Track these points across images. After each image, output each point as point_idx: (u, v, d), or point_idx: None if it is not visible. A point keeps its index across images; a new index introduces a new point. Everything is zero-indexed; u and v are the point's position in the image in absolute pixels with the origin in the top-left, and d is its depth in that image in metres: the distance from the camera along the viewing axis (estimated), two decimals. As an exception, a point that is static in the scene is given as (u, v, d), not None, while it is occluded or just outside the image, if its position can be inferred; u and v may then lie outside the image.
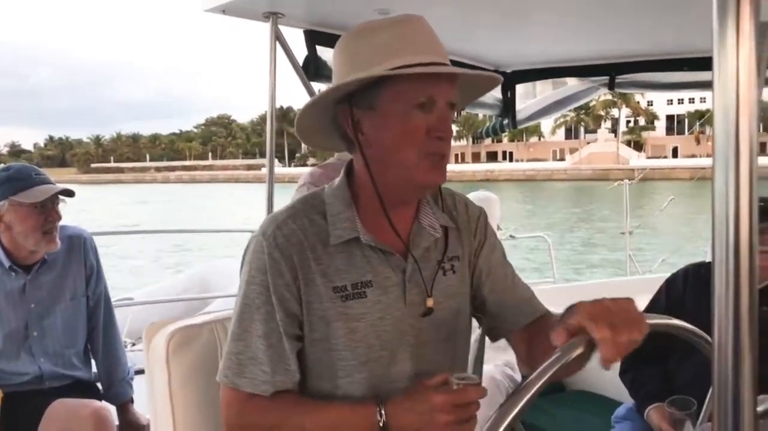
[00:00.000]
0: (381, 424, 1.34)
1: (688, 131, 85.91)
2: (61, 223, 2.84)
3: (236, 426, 1.45)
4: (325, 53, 3.11)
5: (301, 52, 3.14)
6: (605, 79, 3.66)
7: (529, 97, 4.08)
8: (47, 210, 2.62)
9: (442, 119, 1.39)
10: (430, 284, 1.50)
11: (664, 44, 3.33)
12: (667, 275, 2.91)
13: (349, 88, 1.40)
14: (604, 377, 3.07)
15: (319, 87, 3.73)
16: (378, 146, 1.41)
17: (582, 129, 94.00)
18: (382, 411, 1.35)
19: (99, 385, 2.90)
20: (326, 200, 1.50)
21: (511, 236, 6.35)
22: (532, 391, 1.02)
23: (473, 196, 4.11)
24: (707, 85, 3.71)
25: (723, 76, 0.78)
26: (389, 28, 1.41)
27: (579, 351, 1.10)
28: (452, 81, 1.41)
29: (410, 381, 1.46)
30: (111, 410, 2.68)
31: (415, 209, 1.53)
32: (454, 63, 3.60)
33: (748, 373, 0.83)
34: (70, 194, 2.70)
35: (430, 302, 1.49)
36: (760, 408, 1.29)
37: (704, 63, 3.28)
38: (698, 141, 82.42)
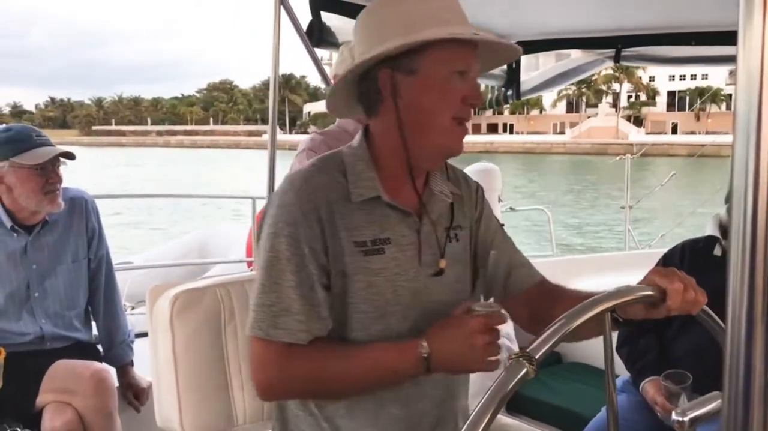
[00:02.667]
0: (425, 355, 1.40)
1: (689, 107, 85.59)
2: (63, 185, 2.85)
3: (275, 379, 1.47)
4: (329, 19, 3.08)
5: (305, 18, 3.11)
6: (611, 51, 3.62)
7: (531, 69, 4.05)
8: (48, 172, 2.61)
9: (475, 88, 1.49)
10: (443, 247, 1.58)
11: (672, 17, 3.29)
12: (662, 248, 2.92)
13: (398, 51, 1.44)
14: (601, 349, 3.09)
15: (321, 54, 3.71)
16: (415, 109, 1.47)
17: (583, 103, 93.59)
18: (424, 343, 1.41)
19: (99, 347, 2.91)
20: (346, 160, 1.55)
21: (510, 208, 6.35)
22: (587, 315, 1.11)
23: (475, 167, 4.11)
24: (714, 60, 3.68)
25: (748, 45, 0.77)
26: None
27: (649, 292, 1.28)
28: (478, 53, 1.50)
29: None
30: (111, 372, 2.71)
31: (426, 177, 1.60)
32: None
33: (760, 345, 0.83)
34: (70, 156, 2.69)
35: (442, 263, 1.57)
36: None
37: (712, 37, 3.25)
38: (698, 118, 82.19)
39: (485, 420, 1.00)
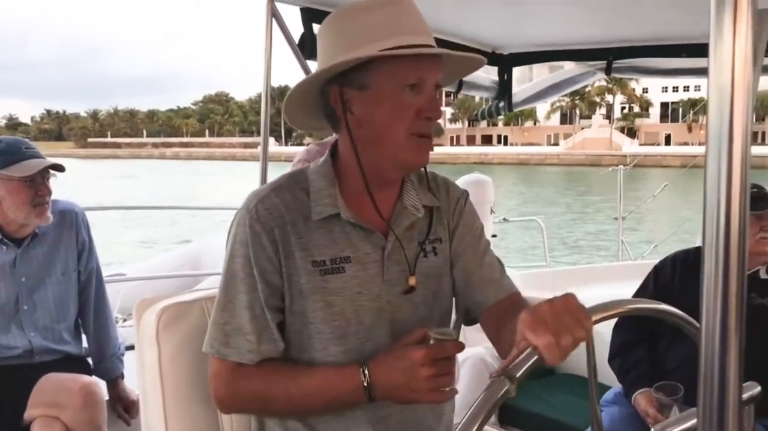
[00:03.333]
0: (365, 384, 1.38)
1: (682, 119, 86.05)
2: (53, 197, 2.84)
3: (224, 395, 1.49)
4: (321, 31, 3.08)
5: (297, 30, 3.12)
6: (602, 63, 3.64)
7: (525, 81, 4.07)
8: (37, 184, 2.60)
9: (431, 100, 1.43)
10: (413, 263, 1.53)
11: (663, 30, 3.31)
12: (654, 259, 2.92)
13: (341, 68, 1.40)
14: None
15: (315, 65, 3.71)
16: (367, 125, 1.44)
17: (577, 114, 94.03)
18: (366, 371, 1.38)
19: (89, 360, 2.90)
20: (309, 177, 1.53)
21: (504, 219, 6.36)
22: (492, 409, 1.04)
23: (467, 178, 4.11)
24: (705, 71, 3.68)
25: (719, 63, 0.77)
26: (379, 9, 1.42)
27: (533, 360, 1.10)
28: (439, 63, 1.44)
29: None
30: (101, 385, 2.69)
31: (399, 190, 1.56)
32: (451, 44, 3.60)
33: (734, 359, 0.83)
34: (60, 168, 2.68)
35: (412, 281, 1.52)
36: (745, 395, 1.31)
37: (702, 49, 3.26)
38: (690, 129, 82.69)
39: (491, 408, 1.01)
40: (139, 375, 1.76)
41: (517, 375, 1.07)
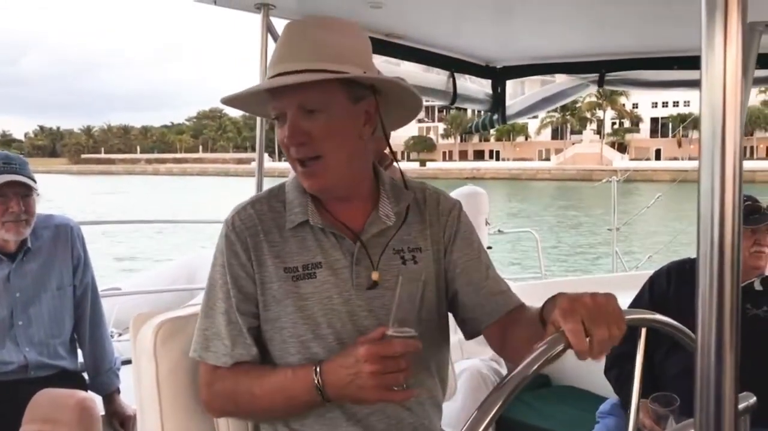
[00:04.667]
0: (317, 382, 1.42)
1: (672, 134, 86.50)
2: (48, 212, 2.84)
3: (205, 396, 1.58)
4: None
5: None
6: (595, 76, 3.67)
7: (516, 95, 4.09)
8: (8, 200, 2.59)
9: (290, 128, 1.47)
10: (376, 261, 1.55)
11: (655, 42, 3.34)
12: (649, 270, 2.93)
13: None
14: (589, 372, 3.09)
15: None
16: None
17: (568, 130, 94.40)
18: (317, 370, 1.42)
19: (85, 375, 2.88)
20: (286, 189, 1.62)
21: (499, 230, 6.37)
22: (514, 387, 1.04)
23: (461, 191, 4.12)
24: (697, 84, 3.72)
25: (710, 76, 0.78)
26: (284, 35, 1.51)
27: (561, 347, 1.12)
28: (300, 86, 1.43)
29: None
30: (96, 400, 2.68)
31: (374, 201, 1.61)
32: (445, 58, 3.61)
33: (729, 371, 0.84)
34: (27, 188, 2.64)
35: (375, 275, 1.55)
36: (741, 405, 1.32)
37: (694, 62, 3.28)
38: (680, 144, 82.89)
39: (520, 385, 1.04)
40: (137, 389, 1.75)
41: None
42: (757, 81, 3.44)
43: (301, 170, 1.51)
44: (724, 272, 0.81)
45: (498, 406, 1.02)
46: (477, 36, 3.38)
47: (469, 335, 1.68)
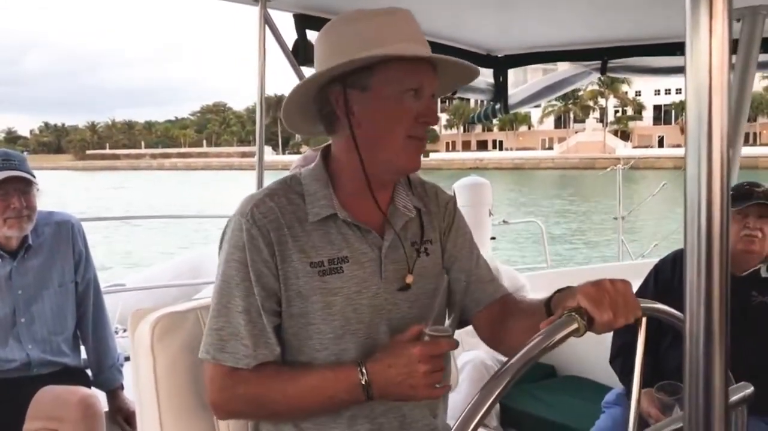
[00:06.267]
0: (363, 382, 1.39)
1: (675, 121, 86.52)
2: (49, 209, 2.83)
3: (219, 400, 1.49)
4: (314, 37, 3.08)
5: (290, 36, 3.11)
6: (597, 63, 3.64)
7: (518, 84, 4.07)
8: (8, 197, 2.58)
9: (429, 106, 1.47)
10: (412, 262, 1.56)
11: (657, 28, 3.31)
12: (655, 259, 2.92)
13: (344, 69, 1.44)
14: (594, 362, 3.07)
15: (310, 71, 3.71)
16: (368, 126, 1.47)
17: (570, 118, 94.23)
18: (363, 370, 1.40)
19: (88, 372, 2.88)
20: (303, 181, 1.56)
21: (504, 221, 6.35)
22: (528, 359, 1.08)
23: (465, 181, 4.10)
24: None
25: (695, 62, 0.77)
26: (381, 17, 1.48)
27: (574, 326, 1.18)
28: (436, 73, 1.49)
29: None
30: (99, 397, 2.68)
31: (391, 193, 1.60)
32: (447, 48, 3.60)
33: (719, 360, 0.83)
34: (28, 183, 2.62)
35: (409, 279, 1.55)
36: (738, 396, 1.31)
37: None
38: (682, 131, 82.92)
39: (526, 364, 1.06)
40: (135, 385, 1.74)
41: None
42: (763, 66, 3.40)
43: (413, 148, 1.49)
44: (712, 260, 0.80)
45: (516, 371, 1.06)
46: (478, 25, 3.35)
47: (459, 324, 1.68)
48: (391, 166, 1.51)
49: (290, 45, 3.13)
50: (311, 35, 3.10)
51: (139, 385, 1.71)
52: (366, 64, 1.43)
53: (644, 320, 1.31)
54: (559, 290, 1.40)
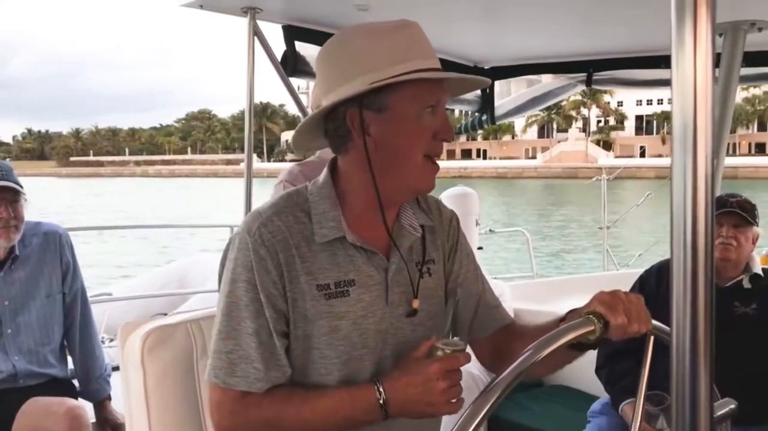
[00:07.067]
0: (381, 402, 1.37)
1: (657, 131, 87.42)
2: (36, 219, 2.82)
3: (229, 425, 1.43)
4: (303, 49, 3.09)
5: (279, 48, 3.12)
6: (583, 75, 3.68)
7: (504, 95, 4.09)
8: None
9: (445, 123, 1.45)
10: (416, 286, 1.52)
11: (642, 42, 3.34)
12: (640, 269, 2.94)
13: (364, 90, 1.39)
14: (581, 372, 3.09)
15: (298, 83, 3.72)
16: (386, 147, 1.42)
17: (554, 128, 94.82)
18: (380, 389, 1.38)
19: (76, 383, 2.87)
20: (310, 199, 1.50)
21: (490, 230, 6.38)
22: (539, 356, 1.09)
23: (452, 191, 4.12)
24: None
25: (681, 75, 0.79)
26: (395, 32, 1.43)
27: (590, 328, 1.24)
28: (447, 86, 1.47)
29: None
30: (86, 408, 2.67)
31: (397, 211, 1.55)
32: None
33: (704, 377, 0.84)
34: (15, 193, 2.62)
35: (415, 304, 1.51)
36: (721, 412, 1.33)
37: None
38: (664, 141, 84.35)
39: (540, 355, 1.07)
40: (125, 399, 1.74)
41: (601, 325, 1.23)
42: (745, 79, 3.45)
43: (430, 167, 1.46)
44: (697, 272, 0.82)
45: (526, 367, 1.07)
46: (465, 37, 3.38)
47: None
48: (406, 187, 1.48)
49: (279, 55, 3.14)
50: (300, 47, 3.11)
51: (129, 398, 1.71)
52: (384, 85, 1.38)
53: (652, 339, 1.36)
54: (571, 311, 1.41)
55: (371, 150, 1.42)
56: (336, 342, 1.44)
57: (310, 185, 1.54)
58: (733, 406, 1.33)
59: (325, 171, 1.54)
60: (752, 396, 2.03)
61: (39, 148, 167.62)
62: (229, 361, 1.42)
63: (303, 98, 3.53)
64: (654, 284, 2.79)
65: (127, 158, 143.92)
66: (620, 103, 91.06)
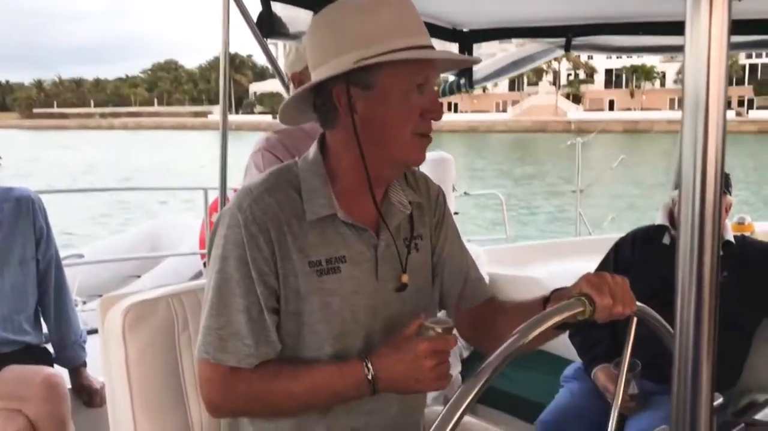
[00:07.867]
0: (369, 377, 1.40)
1: (625, 85, 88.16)
2: (8, 184, 2.76)
3: (218, 399, 1.47)
4: (280, 9, 3.02)
5: (255, 8, 3.05)
6: (562, 41, 3.65)
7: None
8: None
9: (434, 101, 1.45)
10: (404, 261, 1.54)
11: (622, 8, 3.32)
12: (614, 234, 2.97)
13: (347, 68, 1.38)
14: (557, 337, 3.15)
15: (275, 43, 3.65)
16: (371, 124, 1.43)
17: (524, 82, 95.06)
18: (369, 365, 1.41)
19: (50, 348, 2.84)
20: (301, 175, 1.50)
21: (465, 193, 6.39)
22: (529, 337, 1.12)
23: (430, 156, 4.11)
24: (661, 49, 3.74)
25: (695, 38, 0.78)
26: (384, 7, 1.42)
27: (580, 308, 1.26)
28: (436, 62, 1.47)
29: None
30: (63, 375, 2.65)
31: (386, 187, 1.56)
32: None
33: (706, 368, 0.86)
34: None
35: (405, 278, 1.54)
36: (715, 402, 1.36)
37: (659, 27, 3.30)
38: (632, 95, 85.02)
39: (529, 336, 1.10)
40: (106, 374, 1.73)
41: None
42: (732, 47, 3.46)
43: (419, 144, 1.46)
44: (705, 232, 0.85)
45: (518, 346, 1.11)
46: (442, 1, 3.33)
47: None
48: (395, 163, 1.49)
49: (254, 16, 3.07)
50: (276, 7, 3.04)
51: (110, 373, 1.70)
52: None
53: (635, 320, 1.38)
54: (555, 290, 1.46)
55: (358, 126, 1.43)
56: (328, 318, 1.47)
57: (300, 161, 1.54)
58: (719, 401, 1.37)
59: (314, 147, 1.53)
60: (722, 363, 2.07)
61: (0, 99, 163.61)
62: (219, 337, 1.43)
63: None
64: (629, 251, 2.83)
65: (92, 110, 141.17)
66: (590, 57, 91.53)
